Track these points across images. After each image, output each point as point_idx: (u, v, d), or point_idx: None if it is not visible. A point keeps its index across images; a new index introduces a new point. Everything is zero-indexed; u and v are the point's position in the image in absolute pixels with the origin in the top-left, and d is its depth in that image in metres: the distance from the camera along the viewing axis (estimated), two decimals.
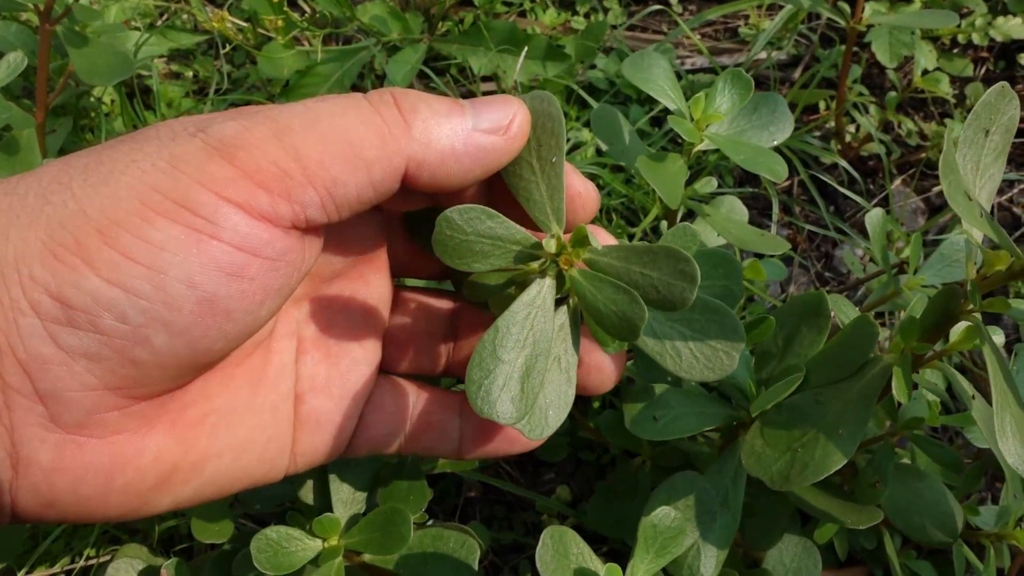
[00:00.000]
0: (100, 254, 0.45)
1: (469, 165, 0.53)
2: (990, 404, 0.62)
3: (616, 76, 1.49)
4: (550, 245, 0.53)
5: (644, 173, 0.70)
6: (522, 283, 0.57)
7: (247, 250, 0.48)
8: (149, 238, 0.46)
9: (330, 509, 0.72)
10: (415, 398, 0.64)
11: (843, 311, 0.71)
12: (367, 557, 0.71)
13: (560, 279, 0.55)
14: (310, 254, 0.54)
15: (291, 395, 0.60)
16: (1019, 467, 0.54)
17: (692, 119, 0.74)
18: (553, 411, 0.57)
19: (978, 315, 0.58)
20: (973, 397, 0.61)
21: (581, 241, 0.54)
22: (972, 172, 0.54)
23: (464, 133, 0.53)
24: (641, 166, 0.71)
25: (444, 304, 0.68)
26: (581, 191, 0.59)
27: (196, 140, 0.49)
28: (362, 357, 0.63)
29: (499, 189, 0.59)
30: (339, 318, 0.63)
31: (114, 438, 0.50)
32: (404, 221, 0.64)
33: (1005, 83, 0.55)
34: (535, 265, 0.55)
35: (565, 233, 0.56)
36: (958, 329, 0.64)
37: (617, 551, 1.07)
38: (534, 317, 0.54)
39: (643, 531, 0.64)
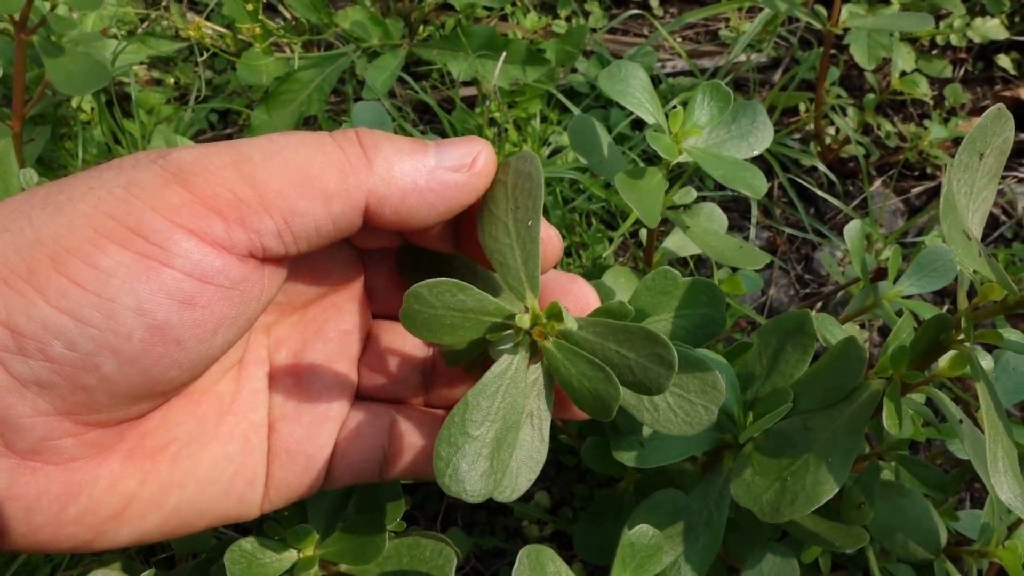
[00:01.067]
0: (50, 282, 0.44)
1: (432, 201, 0.51)
2: (977, 427, 0.59)
3: (598, 80, 1.45)
4: (523, 321, 0.51)
5: (621, 192, 0.66)
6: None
7: (199, 277, 0.46)
8: (99, 265, 0.44)
9: (306, 519, 0.70)
10: (393, 421, 0.61)
11: (828, 330, 0.67)
12: (343, 568, 0.69)
13: (534, 347, 0.52)
14: (270, 284, 0.51)
15: (264, 424, 0.58)
16: (1012, 504, 0.51)
17: (670, 132, 0.70)
18: (524, 471, 0.54)
19: (968, 345, 0.54)
20: (961, 421, 0.58)
21: (556, 316, 0.51)
22: (966, 196, 0.51)
23: (427, 170, 0.51)
24: (619, 185, 0.67)
25: None
26: (543, 237, 0.56)
27: (154, 167, 0.47)
28: (335, 383, 0.60)
29: (466, 231, 0.57)
30: (311, 345, 0.60)
31: (69, 465, 0.49)
32: (397, 262, 0.62)
33: (1002, 105, 0.52)
34: (507, 333, 0.52)
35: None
36: (947, 355, 0.61)
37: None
38: (505, 389, 0.51)
39: (622, 548, 0.62)
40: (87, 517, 0.50)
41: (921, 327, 0.58)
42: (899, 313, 0.83)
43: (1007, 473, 0.50)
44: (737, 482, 0.65)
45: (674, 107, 0.71)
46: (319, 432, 0.59)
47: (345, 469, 0.60)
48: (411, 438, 0.61)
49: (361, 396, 0.62)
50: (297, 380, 0.59)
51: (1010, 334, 0.53)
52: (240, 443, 0.56)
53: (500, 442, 0.50)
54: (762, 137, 0.76)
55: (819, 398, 0.64)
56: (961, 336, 0.54)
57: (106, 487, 0.50)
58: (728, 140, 0.76)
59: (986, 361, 0.66)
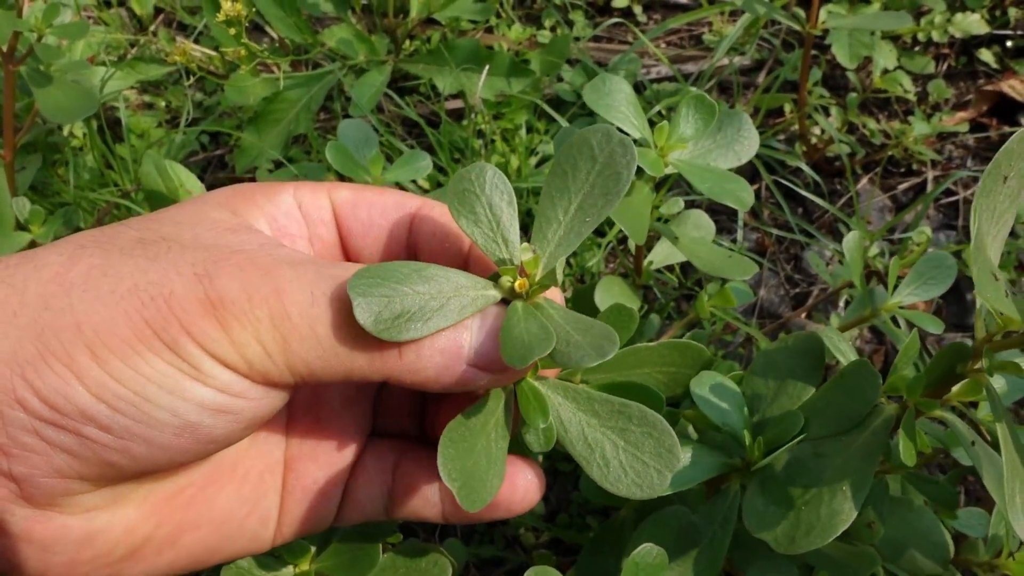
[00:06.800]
0: (89, 371, 0.44)
1: (446, 387, 0.49)
2: (985, 443, 0.53)
3: (583, 93, 1.38)
4: (527, 253, 0.49)
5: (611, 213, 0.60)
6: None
7: (230, 393, 0.47)
8: (137, 368, 0.44)
9: None
10: (396, 462, 0.59)
11: (838, 349, 0.61)
12: None
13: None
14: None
15: (280, 465, 0.57)
16: None
17: (655, 146, 0.64)
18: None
19: (985, 375, 0.49)
20: (973, 443, 0.52)
21: (545, 284, 0.49)
22: (988, 221, 0.45)
23: (456, 367, 0.49)
24: None
25: None
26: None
27: (199, 288, 0.46)
28: (352, 422, 0.59)
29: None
30: (331, 387, 0.59)
31: (85, 515, 0.48)
32: None
33: None
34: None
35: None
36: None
37: None
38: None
39: (626, 569, 0.58)
40: (102, 558, 0.49)
41: (936, 356, 0.52)
42: (895, 320, 0.77)
43: None
44: (750, 512, 0.61)
45: (659, 113, 0.65)
46: (335, 471, 0.57)
47: (354, 507, 0.58)
48: (410, 479, 0.58)
49: (372, 433, 0.61)
50: (317, 420, 0.58)
51: None
52: (255, 485, 0.55)
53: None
54: (748, 146, 0.71)
55: (831, 424, 0.59)
56: (979, 366, 0.48)
57: (122, 531, 0.50)
58: (714, 150, 0.70)
59: (999, 384, 0.60)
